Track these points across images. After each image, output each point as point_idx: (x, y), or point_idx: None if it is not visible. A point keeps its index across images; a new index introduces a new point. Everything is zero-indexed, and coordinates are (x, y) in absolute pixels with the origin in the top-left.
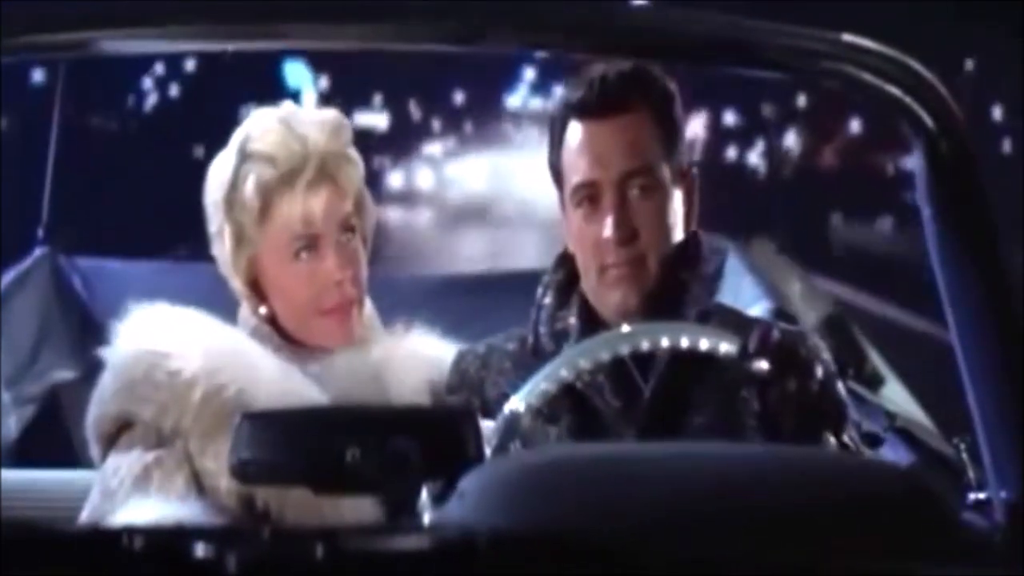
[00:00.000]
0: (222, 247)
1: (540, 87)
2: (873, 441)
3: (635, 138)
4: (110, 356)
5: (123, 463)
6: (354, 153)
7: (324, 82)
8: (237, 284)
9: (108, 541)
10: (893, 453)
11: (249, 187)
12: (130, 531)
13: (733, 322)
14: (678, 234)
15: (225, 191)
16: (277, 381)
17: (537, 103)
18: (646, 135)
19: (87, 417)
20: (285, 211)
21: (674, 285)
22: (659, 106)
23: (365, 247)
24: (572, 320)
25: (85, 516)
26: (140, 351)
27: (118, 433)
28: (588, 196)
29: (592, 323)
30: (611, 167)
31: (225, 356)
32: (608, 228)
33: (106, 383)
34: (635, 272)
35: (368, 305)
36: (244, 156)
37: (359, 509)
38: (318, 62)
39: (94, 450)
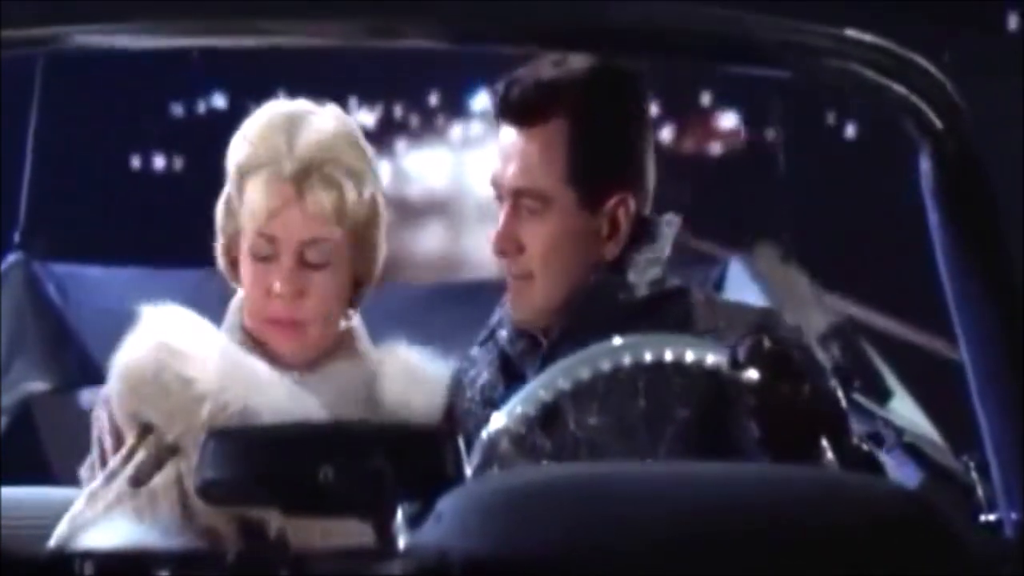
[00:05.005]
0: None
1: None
2: (877, 441)
3: (533, 155)
4: (119, 356)
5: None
6: (340, 176)
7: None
8: (222, 260)
9: (76, 564)
10: (900, 469)
11: (232, 161)
12: (100, 555)
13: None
14: (582, 261)
15: (229, 160)
16: (281, 399)
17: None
18: (548, 152)
19: (91, 415)
20: (251, 198)
21: (582, 304)
22: (578, 125)
23: (351, 283)
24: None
25: (66, 523)
26: (152, 350)
27: (119, 440)
28: (497, 197)
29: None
30: (505, 178)
31: (230, 371)
32: (493, 236)
33: (113, 386)
34: (524, 286)
35: (356, 320)
36: (243, 132)
37: (332, 531)
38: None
39: (94, 449)
